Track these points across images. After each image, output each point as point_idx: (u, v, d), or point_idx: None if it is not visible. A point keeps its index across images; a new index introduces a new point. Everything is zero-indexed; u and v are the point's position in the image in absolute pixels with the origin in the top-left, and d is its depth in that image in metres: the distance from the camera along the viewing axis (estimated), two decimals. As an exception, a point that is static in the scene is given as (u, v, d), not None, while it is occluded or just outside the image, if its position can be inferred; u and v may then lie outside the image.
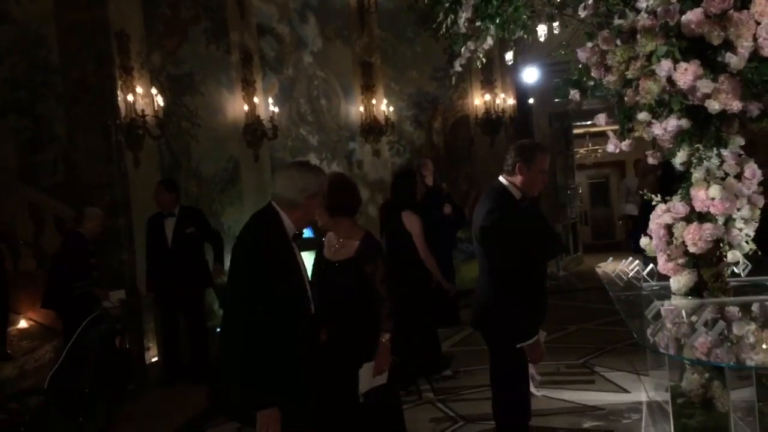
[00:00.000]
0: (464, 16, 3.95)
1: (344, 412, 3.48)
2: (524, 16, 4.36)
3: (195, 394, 6.22)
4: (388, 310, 3.59)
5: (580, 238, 13.94)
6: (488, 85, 10.80)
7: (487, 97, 10.76)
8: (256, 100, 8.72)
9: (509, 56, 4.81)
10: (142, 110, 6.96)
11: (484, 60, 4.40)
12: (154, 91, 7.21)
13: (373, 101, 10.22)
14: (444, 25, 4.29)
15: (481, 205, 3.82)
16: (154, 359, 7.03)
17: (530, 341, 3.58)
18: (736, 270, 4.45)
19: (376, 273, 3.57)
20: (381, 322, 3.57)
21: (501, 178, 3.86)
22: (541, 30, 4.20)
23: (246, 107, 8.66)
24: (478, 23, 4.09)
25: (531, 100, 11.83)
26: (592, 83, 4.38)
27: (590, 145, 17.04)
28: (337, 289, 3.60)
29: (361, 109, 10.23)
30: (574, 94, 4.57)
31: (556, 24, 4.57)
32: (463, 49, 4.55)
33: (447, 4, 3.99)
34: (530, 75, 10.74)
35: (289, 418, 2.98)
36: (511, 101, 10.95)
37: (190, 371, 6.74)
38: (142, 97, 7.03)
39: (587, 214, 17.46)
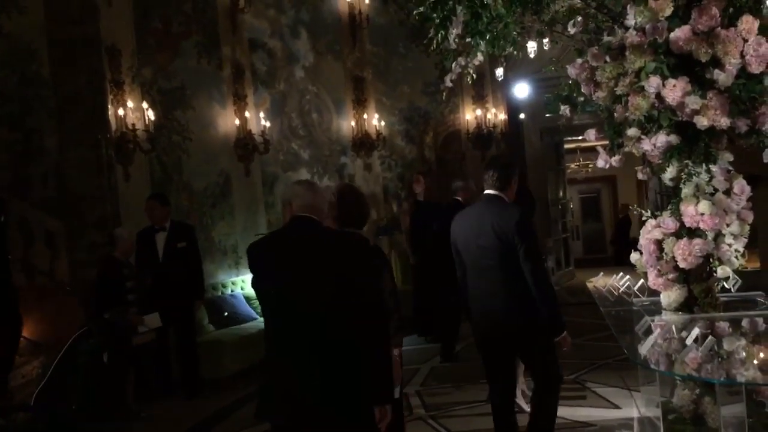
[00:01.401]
0: (455, 32, 3.97)
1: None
2: (514, 33, 4.40)
3: (186, 410, 6.20)
4: (397, 324, 3.52)
5: (572, 253, 13.96)
6: (479, 100, 10.87)
7: (479, 112, 10.82)
8: (247, 114, 8.72)
9: (500, 72, 4.85)
10: (133, 124, 6.96)
11: (474, 76, 4.41)
12: (145, 105, 7.21)
13: (365, 116, 10.25)
14: (435, 41, 4.31)
15: (488, 213, 4.21)
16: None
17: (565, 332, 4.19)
18: (726, 285, 4.47)
19: (383, 285, 3.50)
20: (390, 336, 3.43)
21: (492, 191, 4.27)
22: (531, 46, 4.22)
23: (237, 121, 8.67)
24: (468, 39, 4.11)
25: (522, 115, 11.90)
26: (582, 99, 4.42)
27: (581, 159, 17.13)
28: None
29: (353, 123, 10.26)
30: (565, 109, 4.60)
31: (546, 40, 4.61)
32: (453, 65, 4.57)
33: (437, 21, 4.00)
34: (521, 90, 10.84)
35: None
36: (502, 116, 11.01)
37: (181, 386, 6.70)
38: (133, 111, 7.03)
39: (578, 229, 17.50)
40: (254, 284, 3.23)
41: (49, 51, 6.84)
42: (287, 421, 3.09)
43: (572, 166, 17.10)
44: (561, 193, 13.46)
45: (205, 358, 6.77)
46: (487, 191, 4.29)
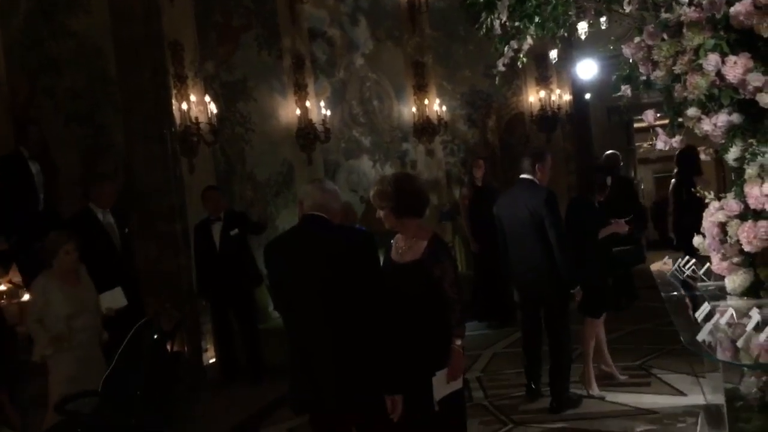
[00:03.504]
0: (501, 17, 3.91)
1: (418, 420, 3.38)
2: (570, 13, 4.30)
3: (250, 394, 6.37)
4: (459, 314, 3.49)
5: (644, 235, 13.59)
6: (543, 81, 10.66)
7: (542, 93, 10.62)
8: (308, 104, 8.81)
9: (553, 54, 4.74)
10: (196, 118, 7.12)
11: (525, 60, 4.34)
12: (207, 98, 7.36)
13: (426, 101, 10.19)
14: (484, 26, 4.26)
15: (523, 194, 5.31)
16: (212, 360, 7.19)
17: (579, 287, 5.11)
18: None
19: (444, 275, 3.46)
20: (452, 327, 3.49)
21: (525, 176, 5.35)
22: (582, 28, 4.11)
23: (298, 111, 8.77)
24: (517, 23, 4.04)
25: (588, 96, 11.62)
26: (644, 78, 4.29)
27: (654, 138, 16.55)
28: (405, 292, 3.46)
29: (414, 109, 10.22)
30: (625, 89, 4.49)
31: (603, 19, 4.48)
32: (506, 49, 4.50)
33: (483, 4, 3.95)
34: (586, 70, 10.56)
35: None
36: (567, 97, 10.77)
37: (246, 372, 6.88)
38: (196, 104, 7.19)
39: (650, 210, 16.99)
40: (270, 281, 3.35)
41: (115, 49, 7.05)
42: (313, 407, 3.27)
43: (645, 145, 16.59)
44: (632, 173, 13.13)
45: (269, 345, 6.90)
46: (522, 176, 5.37)
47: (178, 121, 7.04)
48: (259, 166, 8.32)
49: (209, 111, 7.32)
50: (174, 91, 7.05)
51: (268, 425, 5.54)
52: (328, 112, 9.02)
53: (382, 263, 3.72)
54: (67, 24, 7.19)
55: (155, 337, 4.32)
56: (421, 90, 10.27)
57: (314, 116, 8.87)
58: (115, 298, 5.13)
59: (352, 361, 3.12)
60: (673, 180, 8.43)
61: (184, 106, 7.08)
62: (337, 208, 3.36)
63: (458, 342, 3.49)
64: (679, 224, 7.48)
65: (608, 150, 11.91)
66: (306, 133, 8.79)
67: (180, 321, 4.61)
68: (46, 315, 4.69)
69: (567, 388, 5.27)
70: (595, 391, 5.37)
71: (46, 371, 4.78)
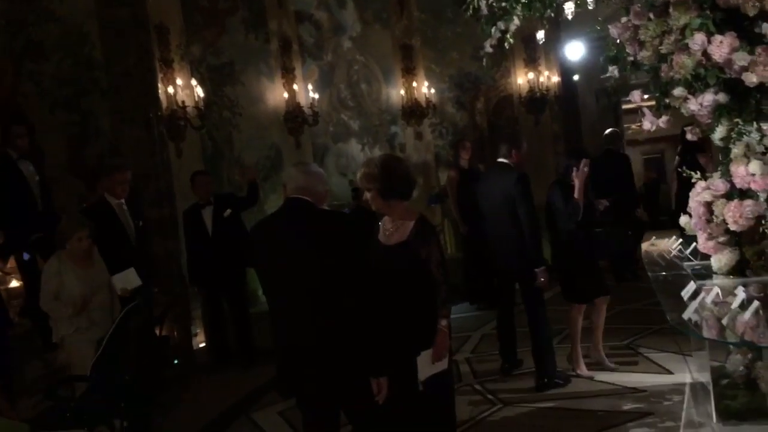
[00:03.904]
0: (486, -3, 3.90)
1: (402, 400, 3.41)
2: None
3: (240, 378, 6.38)
4: (444, 295, 3.52)
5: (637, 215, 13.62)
6: (531, 63, 10.63)
7: (531, 75, 10.60)
8: (296, 87, 8.78)
9: (541, 35, 4.74)
10: (183, 102, 7.08)
11: (512, 41, 4.34)
12: (194, 82, 7.32)
13: (414, 84, 10.16)
14: (471, 7, 4.25)
15: (498, 177, 5.54)
16: (202, 345, 7.19)
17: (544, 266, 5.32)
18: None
19: (430, 256, 3.48)
20: (438, 308, 3.51)
21: (501, 159, 5.57)
22: (568, 8, 4.11)
23: (286, 95, 8.73)
24: (504, 3, 4.03)
25: (576, 77, 11.60)
26: (631, 58, 4.30)
27: (642, 119, 16.54)
28: (392, 273, 3.49)
29: (402, 92, 10.19)
30: (613, 70, 4.49)
31: (590, 0, 4.47)
32: (493, 30, 4.50)
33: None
34: (574, 51, 10.54)
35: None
36: (555, 79, 10.76)
37: (236, 356, 6.89)
38: (183, 88, 7.15)
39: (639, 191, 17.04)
40: (254, 265, 3.35)
41: (100, 33, 6.98)
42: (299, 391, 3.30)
43: (633, 126, 16.61)
44: (620, 155, 13.14)
45: (259, 329, 6.90)
46: (498, 159, 5.61)
47: (164, 105, 7.00)
48: (247, 150, 8.29)
49: (196, 95, 7.28)
50: (160, 75, 7.01)
51: (258, 409, 5.56)
52: (316, 96, 8.99)
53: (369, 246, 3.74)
54: (51, 8, 7.09)
55: (142, 320, 4.32)
56: (409, 73, 10.23)
57: (302, 99, 8.84)
58: (128, 279, 5.18)
59: (337, 344, 3.12)
60: (676, 157, 8.54)
61: (171, 90, 7.04)
62: (321, 192, 3.35)
63: (443, 322, 3.52)
64: (679, 201, 7.58)
65: (596, 131, 11.97)
66: (294, 116, 8.77)
67: (169, 305, 4.60)
68: (61, 294, 4.73)
69: (554, 365, 5.37)
70: (584, 371, 5.41)
71: (63, 352, 4.90)
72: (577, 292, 5.49)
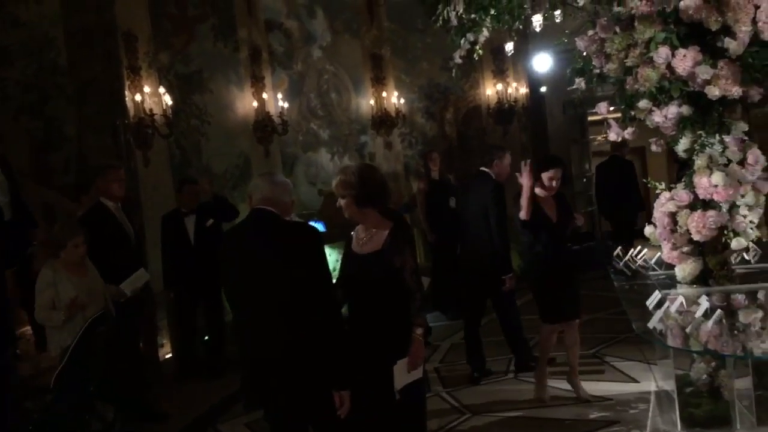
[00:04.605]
0: (457, 9, 3.94)
1: (380, 410, 3.42)
2: (525, 6, 4.34)
3: (208, 389, 6.31)
4: (419, 303, 3.50)
5: (598, 226, 13.81)
6: (500, 74, 10.73)
7: (499, 86, 10.70)
8: (265, 96, 8.74)
9: (509, 47, 4.79)
10: (151, 109, 7.01)
11: (481, 52, 4.38)
12: (162, 90, 7.25)
13: (384, 94, 10.19)
14: (441, 18, 4.29)
15: (476, 186, 5.81)
16: (168, 356, 7.10)
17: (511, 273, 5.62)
18: (746, 257, 4.41)
19: (405, 265, 3.47)
20: (412, 316, 3.49)
21: (483, 168, 5.81)
22: (536, 20, 4.16)
23: (255, 103, 8.69)
24: (473, 15, 4.07)
25: (543, 89, 11.74)
26: (597, 71, 4.36)
27: (607, 131, 16.75)
28: (366, 283, 3.48)
29: (372, 102, 10.21)
30: (579, 82, 4.55)
31: (558, 12, 4.54)
32: (462, 41, 4.54)
33: (439, -3, 3.98)
34: (542, 63, 10.67)
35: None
36: (523, 90, 10.87)
37: (205, 367, 6.82)
38: (150, 96, 7.07)
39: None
40: (221, 275, 3.36)
41: (66, 39, 6.89)
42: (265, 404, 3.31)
43: (599, 138, 16.83)
44: (586, 166, 13.30)
45: (232, 339, 6.83)
46: (481, 168, 5.84)
47: (131, 112, 6.91)
48: (216, 158, 8.22)
49: (164, 102, 7.22)
50: (127, 82, 6.93)
51: (226, 420, 5.50)
52: (286, 105, 8.96)
53: (342, 255, 3.73)
54: (17, 14, 6.98)
55: (108, 330, 4.25)
56: (379, 82, 10.26)
57: (271, 108, 8.80)
58: (137, 278, 5.25)
59: (303, 356, 3.10)
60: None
61: (138, 97, 6.97)
62: (287, 202, 3.33)
63: (418, 331, 3.51)
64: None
65: (562, 142, 12.13)
66: (263, 125, 8.72)
67: (138, 313, 4.54)
68: (58, 304, 4.58)
69: (529, 349, 5.82)
70: (544, 397, 5.17)
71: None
72: (544, 310, 5.18)
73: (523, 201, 5.01)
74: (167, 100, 7.25)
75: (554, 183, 5.07)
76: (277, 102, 8.87)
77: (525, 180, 4.97)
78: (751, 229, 4.00)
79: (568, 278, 5.15)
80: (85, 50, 6.83)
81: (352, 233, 3.68)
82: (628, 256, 4.98)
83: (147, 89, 7.06)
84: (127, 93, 6.88)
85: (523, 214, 5.04)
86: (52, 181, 7.03)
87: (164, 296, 6.95)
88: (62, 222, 4.80)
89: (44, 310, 4.60)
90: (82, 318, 4.46)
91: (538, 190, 5.09)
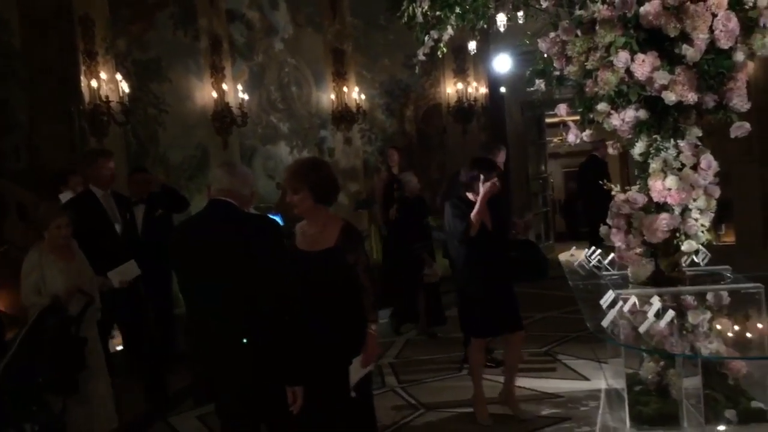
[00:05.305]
0: (422, 6, 3.94)
1: (334, 406, 3.41)
2: (489, 6, 4.37)
3: (159, 382, 6.19)
4: (372, 300, 3.50)
5: (553, 228, 14.01)
6: (460, 73, 10.80)
7: (460, 85, 10.76)
8: (225, 86, 8.65)
9: (472, 46, 4.82)
10: (107, 96, 6.89)
11: (445, 50, 4.39)
12: (119, 76, 7.13)
13: (345, 89, 10.17)
14: (406, 14, 4.29)
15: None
16: (119, 348, 6.96)
17: None
18: (695, 259, 4.51)
19: (358, 262, 3.46)
20: (366, 313, 3.49)
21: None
22: (501, 20, 4.19)
23: (215, 94, 8.59)
24: (438, 12, 4.08)
25: (503, 89, 11.84)
26: (558, 73, 4.41)
27: (564, 134, 16.97)
28: (317, 281, 3.43)
29: (333, 96, 10.19)
30: (539, 83, 4.60)
31: (520, 14, 4.58)
32: (426, 38, 4.54)
33: (405, -7, 3.98)
34: (502, 64, 10.76)
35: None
36: (483, 90, 10.96)
37: (156, 359, 6.69)
38: (107, 82, 6.95)
39: (560, 203, 17.53)
40: (173, 265, 3.29)
41: (20, 21, 6.73)
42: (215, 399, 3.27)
43: (555, 140, 17.08)
44: (542, 167, 13.47)
45: (180, 331, 6.74)
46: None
47: (87, 99, 6.79)
48: (173, 148, 8.12)
49: (120, 90, 7.10)
50: (83, 68, 6.81)
51: (176, 413, 5.43)
52: (246, 96, 8.88)
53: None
54: (-33, -6, 6.81)
55: (59, 322, 4.15)
56: (340, 77, 10.23)
57: (231, 100, 8.72)
58: (127, 271, 5.13)
59: (252, 352, 3.06)
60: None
61: (94, 83, 6.83)
62: (246, 194, 3.28)
63: (373, 327, 3.51)
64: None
65: (521, 143, 12.25)
66: (222, 116, 8.64)
67: (88, 303, 4.44)
68: (42, 288, 4.43)
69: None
70: (484, 418, 4.86)
71: None
72: (474, 323, 4.89)
73: (478, 215, 4.65)
74: (124, 87, 7.13)
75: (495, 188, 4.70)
76: (237, 93, 8.80)
77: (485, 192, 4.64)
78: (702, 232, 4.08)
79: (506, 288, 4.87)
80: (40, 34, 6.68)
81: (294, 230, 3.62)
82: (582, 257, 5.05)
83: (103, 75, 6.93)
84: (82, 78, 6.76)
85: (473, 231, 4.66)
86: (3, 167, 6.85)
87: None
88: (46, 203, 4.65)
89: (30, 294, 4.46)
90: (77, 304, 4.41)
91: (471, 196, 4.73)
